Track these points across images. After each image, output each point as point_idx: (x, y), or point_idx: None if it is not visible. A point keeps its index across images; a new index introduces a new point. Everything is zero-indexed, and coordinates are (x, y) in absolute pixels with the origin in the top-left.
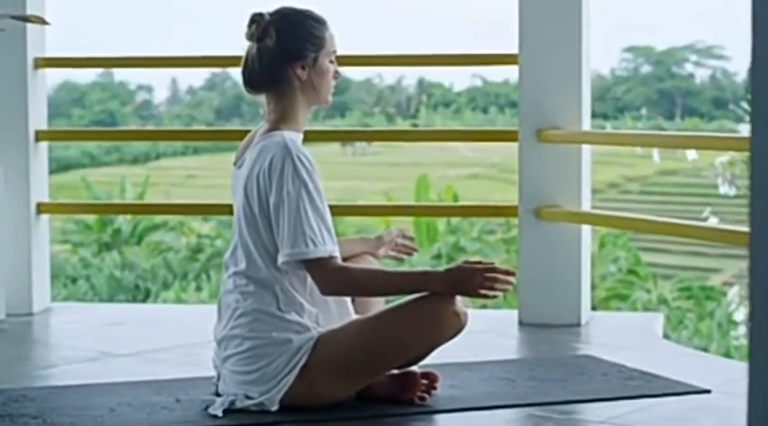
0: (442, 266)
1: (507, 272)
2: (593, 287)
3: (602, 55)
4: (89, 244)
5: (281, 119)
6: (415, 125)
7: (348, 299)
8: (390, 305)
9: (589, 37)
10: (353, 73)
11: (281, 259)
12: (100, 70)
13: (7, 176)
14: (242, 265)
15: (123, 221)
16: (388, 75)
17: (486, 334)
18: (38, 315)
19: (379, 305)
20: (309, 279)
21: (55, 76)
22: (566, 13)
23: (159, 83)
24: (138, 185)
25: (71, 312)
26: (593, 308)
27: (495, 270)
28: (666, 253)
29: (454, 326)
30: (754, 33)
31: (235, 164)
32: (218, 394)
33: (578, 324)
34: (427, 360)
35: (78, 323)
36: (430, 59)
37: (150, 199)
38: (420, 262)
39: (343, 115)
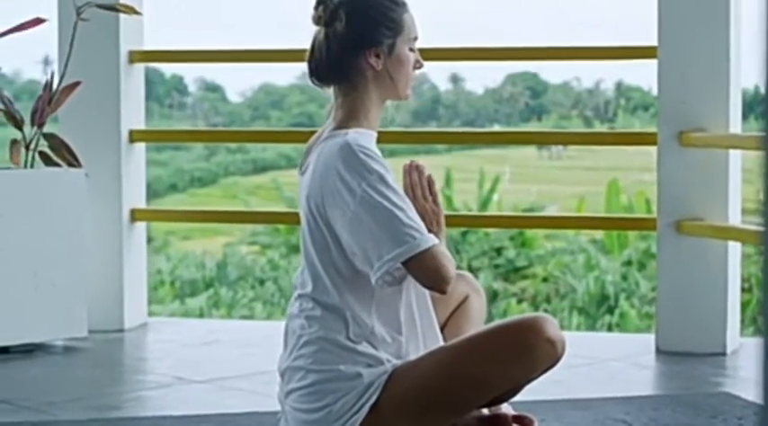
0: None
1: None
2: None
3: None
4: (277, 246)
5: (350, 116)
6: (612, 128)
7: (436, 322)
8: (472, 332)
9: (740, 23)
10: (551, 75)
11: (383, 267)
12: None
13: (98, 180)
14: (308, 287)
15: None
16: (586, 78)
17: (615, 363)
18: (129, 332)
19: (478, 325)
20: (399, 300)
21: (255, 78)
22: None
23: None
24: None
25: (166, 328)
26: None
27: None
28: None
29: (548, 357)
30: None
31: (300, 169)
32: None
33: (723, 354)
34: (534, 395)
35: (167, 343)
36: (560, 53)
37: None
38: (610, 268)
39: (540, 118)
